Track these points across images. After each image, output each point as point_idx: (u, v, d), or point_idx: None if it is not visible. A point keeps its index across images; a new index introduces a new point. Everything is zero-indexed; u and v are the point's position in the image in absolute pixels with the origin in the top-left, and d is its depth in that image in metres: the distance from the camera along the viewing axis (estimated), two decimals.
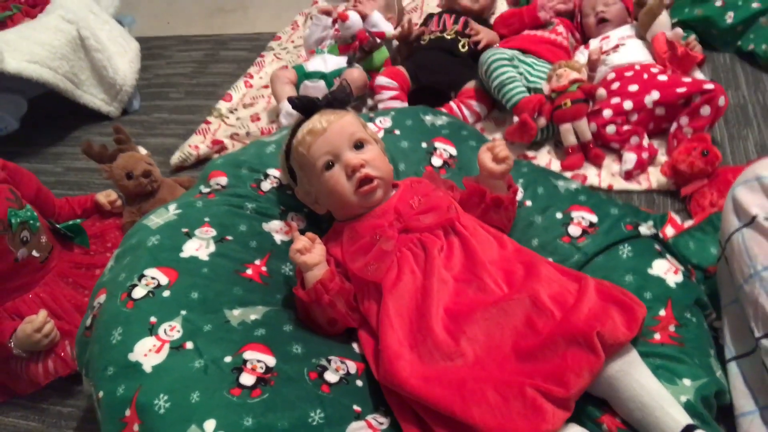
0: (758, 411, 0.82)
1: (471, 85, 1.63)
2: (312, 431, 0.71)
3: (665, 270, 0.89)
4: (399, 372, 0.74)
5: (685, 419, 0.70)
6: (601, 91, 1.41)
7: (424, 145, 1.17)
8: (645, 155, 1.37)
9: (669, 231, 1.16)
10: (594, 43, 1.65)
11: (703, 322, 0.86)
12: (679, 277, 0.88)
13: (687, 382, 0.76)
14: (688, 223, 1.16)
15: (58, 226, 1.28)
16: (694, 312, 0.85)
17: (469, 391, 0.70)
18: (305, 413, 0.73)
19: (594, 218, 1.00)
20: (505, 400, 0.68)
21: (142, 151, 1.45)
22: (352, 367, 0.84)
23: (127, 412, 0.72)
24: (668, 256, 0.93)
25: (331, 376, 0.80)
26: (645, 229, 0.97)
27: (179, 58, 2.29)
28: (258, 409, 0.71)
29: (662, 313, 0.83)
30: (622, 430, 0.72)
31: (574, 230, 1.00)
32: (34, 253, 1.16)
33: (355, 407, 0.77)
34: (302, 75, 1.69)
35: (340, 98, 0.97)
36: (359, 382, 0.82)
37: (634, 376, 0.72)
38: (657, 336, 0.81)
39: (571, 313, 0.74)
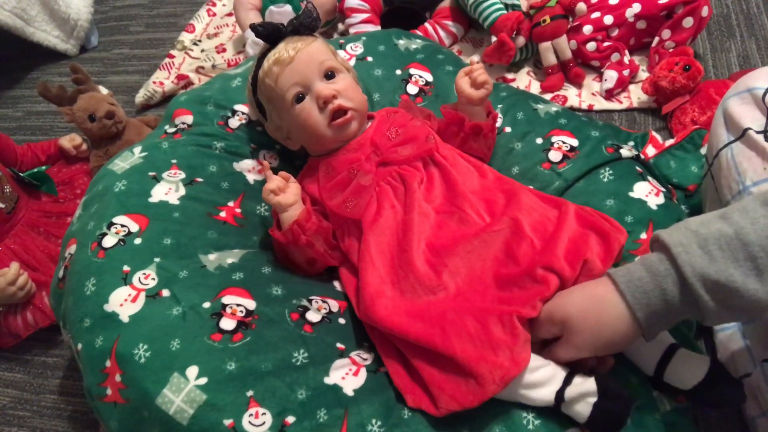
0: (737, 325, 0.84)
1: (446, 3, 1.56)
2: (296, 371, 0.71)
3: (646, 192, 0.88)
4: (379, 310, 0.74)
5: (668, 339, 0.71)
6: (581, 6, 1.35)
7: (398, 72, 1.12)
8: (626, 72, 1.34)
9: (650, 150, 1.15)
10: None
11: None
12: (661, 199, 0.87)
13: None
14: (670, 142, 1.15)
15: (21, 174, 1.23)
16: None
17: (449, 322, 0.70)
18: (289, 354, 0.72)
19: (574, 142, 0.98)
20: (485, 327, 0.68)
21: (104, 90, 1.38)
22: (333, 305, 0.83)
23: (108, 363, 0.71)
24: (649, 177, 0.92)
25: (313, 316, 0.79)
26: (626, 150, 0.95)
27: None
28: (240, 352, 0.71)
29: (643, 236, 0.83)
30: None
31: (554, 156, 0.97)
32: None
33: (339, 345, 0.77)
34: (267, 0, 1.59)
35: (306, 23, 0.91)
36: (342, 320, 0.82)
37: None
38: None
39: (551, 243, 0.73)
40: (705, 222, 0.59)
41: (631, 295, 0.60)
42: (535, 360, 0.67)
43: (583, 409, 0.65)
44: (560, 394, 0.66)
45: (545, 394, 0.67)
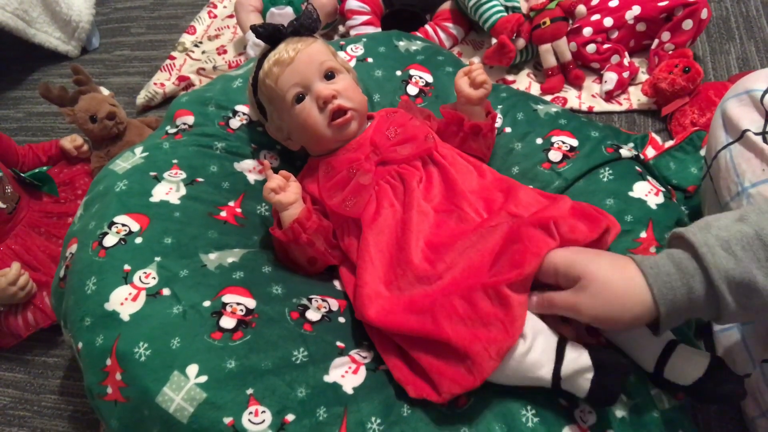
0: (736, 326, 0.84)
1: (446, 6, 1.57)
2: (296, 369, 0.71)
3: (646, 192, 0.88)
4: (373, 312, 0.74)
5: (668, 335, 0.71)
6: (581, 8, 1.35)
7: (398, 73, 1.13)
8: (626, 74, 1.34)
9: (650, 152, 1.15)
10: None
11: None
12: (660, 199, 0.88)
13: None
14: (669, 143, 1.15)
15: (23, 175, 1.23)
16: None
17: (438, 306, 0.69)
18: (288, 352, 0.73)
19: (574, 142, 0.98)
20: (473, 304, 0.67)
21: (105, 91, 1.38)
22: (333, 304, 0.83)
23: (108, 362, 0.71)
24: (649, 177, 0.92)
25: (312, 315, 0.79)
26: (626, 151, 0.96)
27: None
28: (240, 351, 0.71)
29: (643, 234, 0.83)
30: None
31: (554, 155, 0.98)
32: (0, 204, 1.12)
33: (338, 343, 0.77)
34: (268, 2, 1.60)
35: (306, 25, 0.91)
36: (341, 319, 0.82)
37: None
38: None
39: (534, 213, 0.74)
40: (724, 226, 0.60)
41: (658, 289, 0.61)
42: (526, 341, 0.66)
43: (583, 385, 0.64)
44: (557, 373, 0.65)
45: (542, 374, 0.65)
